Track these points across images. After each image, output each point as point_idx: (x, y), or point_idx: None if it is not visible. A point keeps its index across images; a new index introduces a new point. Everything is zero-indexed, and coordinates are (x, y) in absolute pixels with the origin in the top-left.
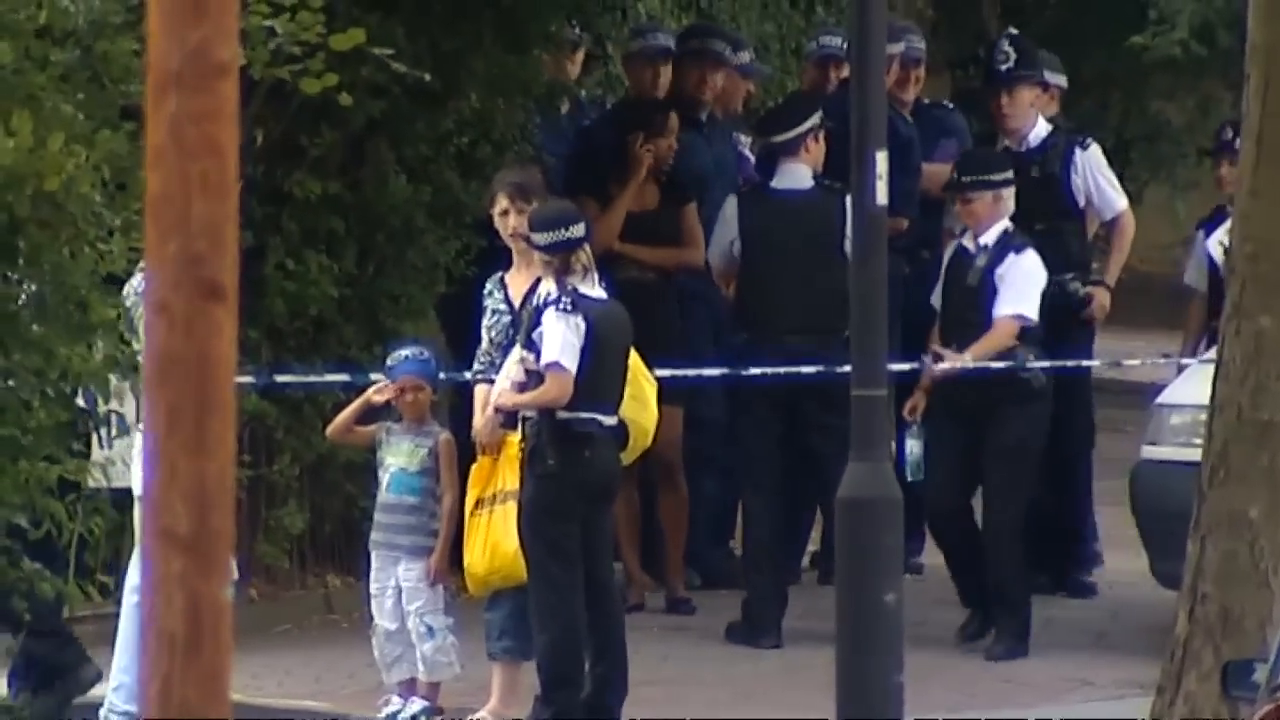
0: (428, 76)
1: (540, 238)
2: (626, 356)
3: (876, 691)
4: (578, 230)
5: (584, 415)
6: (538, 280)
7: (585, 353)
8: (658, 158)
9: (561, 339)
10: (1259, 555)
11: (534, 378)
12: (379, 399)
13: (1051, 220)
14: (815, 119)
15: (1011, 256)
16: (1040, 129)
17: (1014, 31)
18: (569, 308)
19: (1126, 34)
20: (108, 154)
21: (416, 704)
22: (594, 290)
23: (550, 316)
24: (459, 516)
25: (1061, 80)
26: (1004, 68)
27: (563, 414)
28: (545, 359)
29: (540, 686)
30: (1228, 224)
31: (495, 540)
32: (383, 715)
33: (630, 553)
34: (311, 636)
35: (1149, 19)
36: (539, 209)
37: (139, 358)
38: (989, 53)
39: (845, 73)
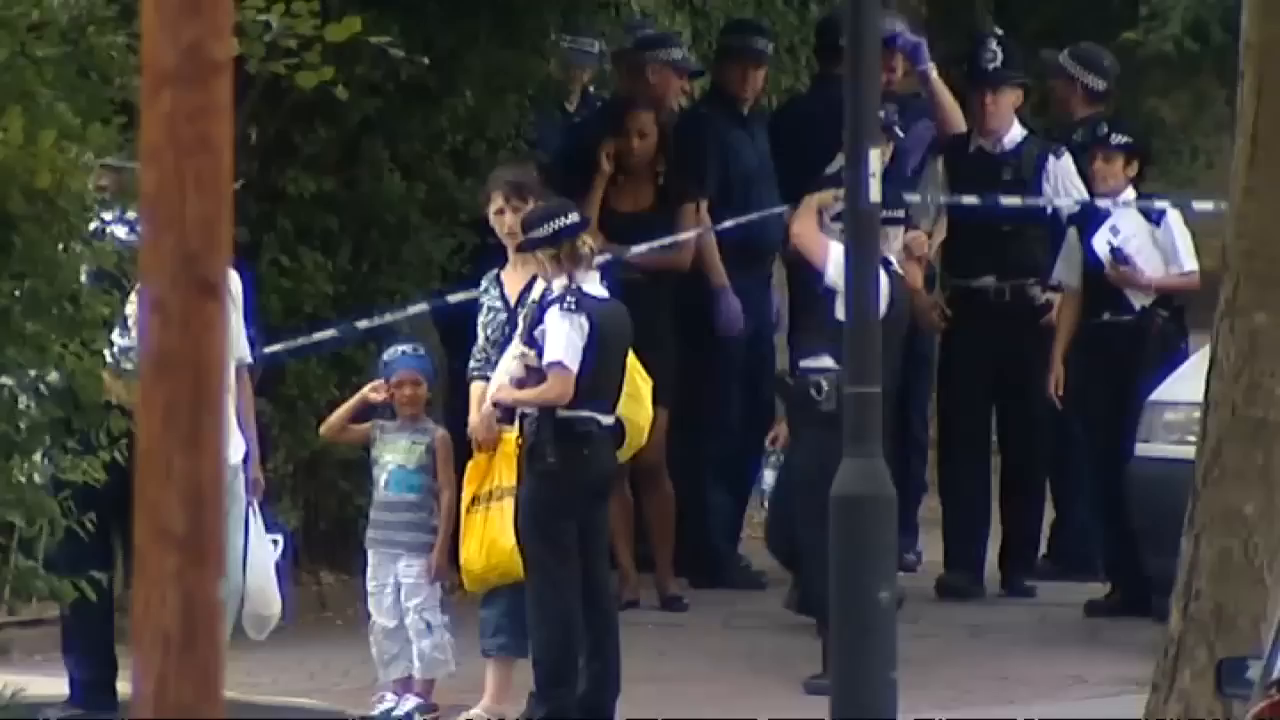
0: (426, 60)
1: (540, 231)
2: (626, 356)
3: (871, 689)
4: (574, 217)
5: (584, 414)
6: (534, 278)
7: (588, 352)
8: (623, 157)
9: (566, 338)
10: (1253, 553)
11: (534, 374)
12: (375, 397)
13: (1017, 224)
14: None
15: None
16: (1015, 133)
17: (999, 31)
18: (573, 307)
19: (1119, 31)
20: (99, 149)
21: (411, 701)
22: (596, 288)
23: (554, 315)
24: (456, 513)
25: (1098, 83)
26: (990, 67)
27: (563, 412)
28: (549, 358)
29: (535, 683)
30: (1110, 222)
31: (492, 537)
32: (377, 712)
33: (624, 550)
34: (306, 633)
35: (1141, 15)
36: (530, 211)
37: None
38: (975, 51)
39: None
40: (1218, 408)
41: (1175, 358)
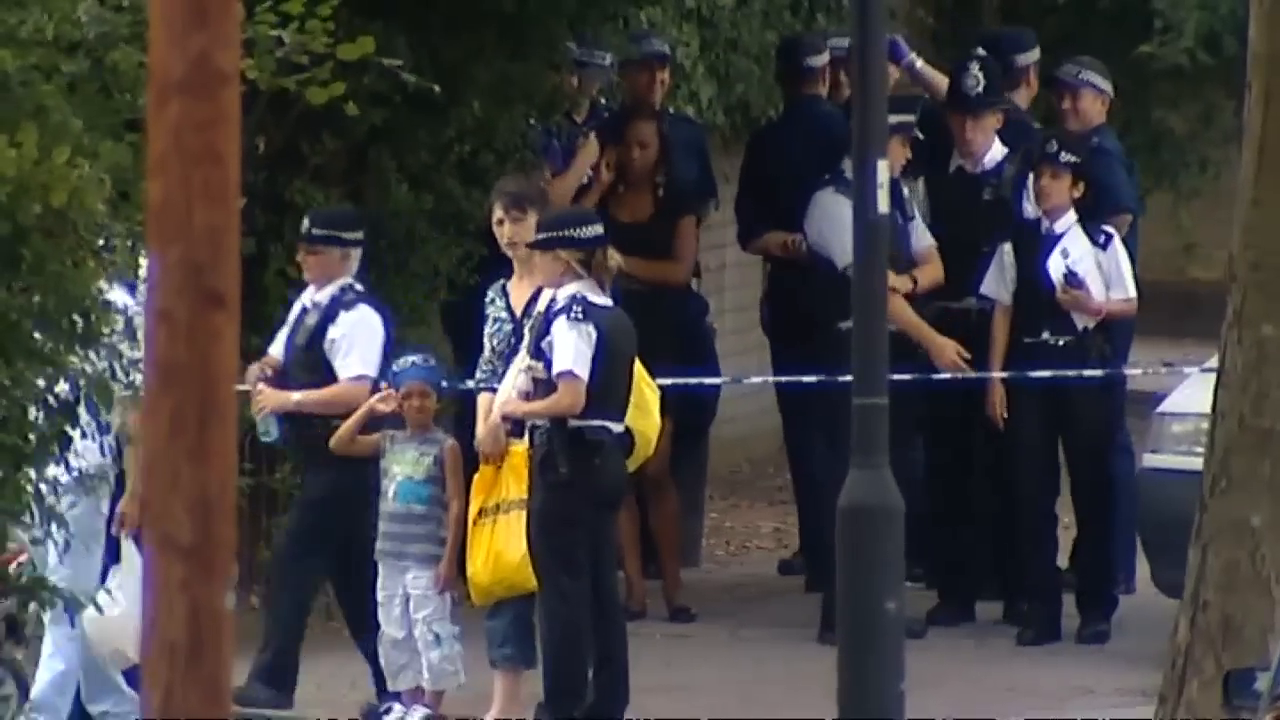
0: (437, 89)
1: (575, 233)
2: (633, 364)
3: (878, 700)
4: (598, 228)
5: (595, 423)
6: (539, 289)
7: (596, 361)
8: (623, 168)
9: (574, 348)
10: (1260, 563)
11: (543, 386)
12: (383, 408)
13: (998, 243)
14: (894, 120)
15: (343, 314)
16: (995, 152)
17: (983, 53)
18: (580, 316)
19: (1130, 43)
20: (112, 165)
21: (419, 712)
22: (601, 297)
23: (561, 325)
24: (464, 524)
25: (1107, 87)
26: (973, 93)
27: (574, 422)
28: (558, 368)
29: (544, 694)
30: (1061, 244)
31: (498, 550)
32: None
33: (632, 561)
34: (313, 644)
35: (1154, 28)
36: (554, 211)
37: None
38: (957, 75)
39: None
40: (1225, 418)
41: (1110, 380)
